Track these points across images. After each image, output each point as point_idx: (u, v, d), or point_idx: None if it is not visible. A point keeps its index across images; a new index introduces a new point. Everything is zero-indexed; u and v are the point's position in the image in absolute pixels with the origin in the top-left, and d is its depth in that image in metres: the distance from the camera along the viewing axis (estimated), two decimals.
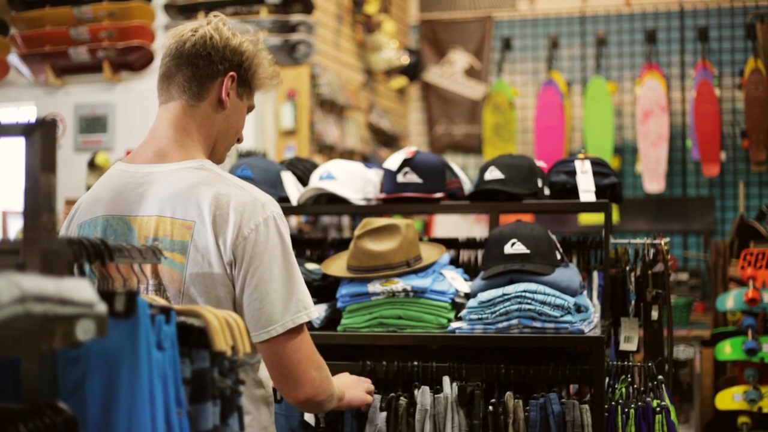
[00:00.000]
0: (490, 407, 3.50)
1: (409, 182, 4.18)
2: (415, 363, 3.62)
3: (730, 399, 7.48)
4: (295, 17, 7.50)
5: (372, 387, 3.37)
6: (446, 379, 3.56)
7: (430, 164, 4.22)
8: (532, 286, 3.59)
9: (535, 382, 3.61)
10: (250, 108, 2.87)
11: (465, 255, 4.54)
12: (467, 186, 4.39)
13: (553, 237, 3.87)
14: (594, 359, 3.54)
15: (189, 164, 2.69)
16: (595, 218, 9.62)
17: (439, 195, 4.18)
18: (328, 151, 8.45)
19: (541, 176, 4.27)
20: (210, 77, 2.74)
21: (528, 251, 3.70)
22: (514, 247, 3.71)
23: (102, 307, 1.56)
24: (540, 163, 4.38)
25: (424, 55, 11.45)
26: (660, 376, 3.91)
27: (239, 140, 2.89)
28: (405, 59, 10.52)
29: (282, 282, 2.63)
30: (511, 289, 3.60)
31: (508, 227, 3.80)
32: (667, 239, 4.40)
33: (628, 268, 4.28)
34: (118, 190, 2.71)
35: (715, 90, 10.10)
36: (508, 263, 3.70)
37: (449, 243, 4.52)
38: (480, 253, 4.35)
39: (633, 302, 4.19)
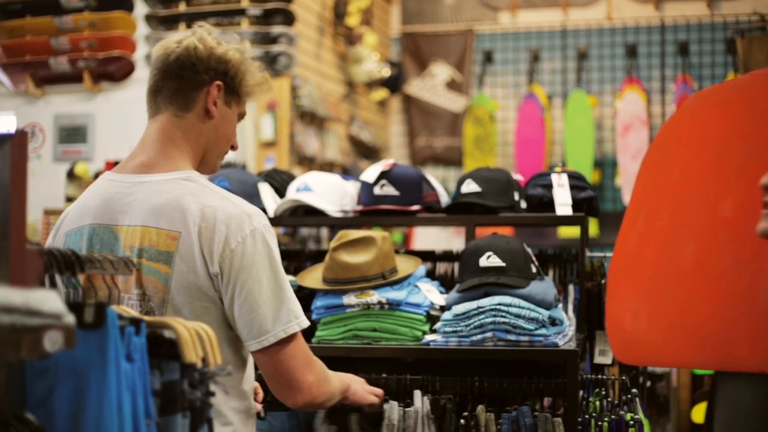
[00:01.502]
0: (462, 420, 3.51)
1: (386, 194, 4.18)
2: (389, 376, 3.63)
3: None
4: (276, 29, 7.50)
5: (381, 392, 3.42)
6: (417, 393, 3.56)
7: (407, 177, 4.23)
8: (507, 299, 3.60)
9: (508, 395, 3.62)
10: (241, 115, 2.87)
11: (441, 267, 4.54)
12: (444, 199, 4.40)
13: (529, 250, 3.88)
14: (568, 372, 3.55)
15: (176, 175, 2.70)
16: (574, 231, 9.62)
17: (415, 207, 4.19)
18: (308, 162, 8.45)
19: (518, 189, 4.28)
20: (195, 88, 2.75)
21: (503, 264, 3.71)
22: (490, 260, 3.72)
23: (70, 319, 1.56)
24: (517, 177, 4.40)
25: (406, 67, 11.47)
26: (634, 390, 3.91)
27: (233, 147, 2.90)
28: (386, 71, 10.53)
29: (272, 293, 2.65)
30: (485, 302, 3.60)
31: (484, 240, 3.81)
32: None
33: (603, 281, 4.29)
34: (106, 200, 2.73)
35: None
36: (483, 276, 3.70)
37: (426, 255, 4.52)
38: (456, 266, 4.36)
39: None
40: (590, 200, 4.33)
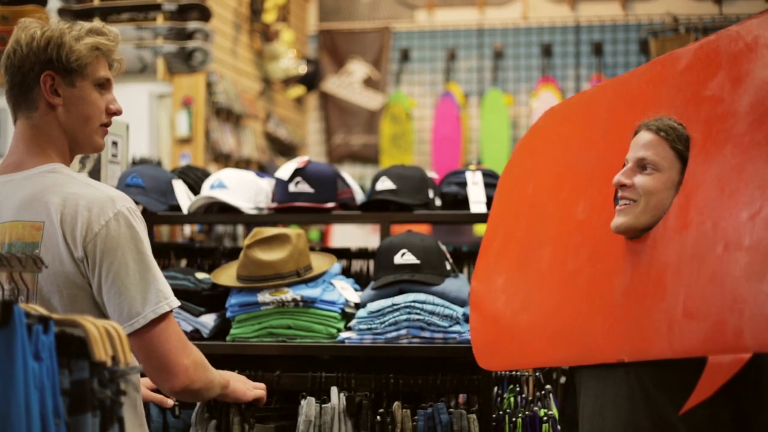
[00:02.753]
0: (378, 417, 3.51)
1: (301, 192, 4.17)
2: (304, 373, 3.62)
3: None
4: (192, 24, 7.45)
5: (263, 386, 3.39)
6: (334, 390, 3.55)
7: (322, 174, 4.22)
8: (422, 297, 3.60)
9: (423, 392, 3.62)
10: (98, 81, 2.77)
11: (357, 265, 4.54)
12: (359, 196, 4.40)
13: (444, 247, 3.89)
14: (482, 369, 3.56)
15: (41, 169, 2.69)
16: None
17: (330, 205, 4.18)
18: (224, 159, 8.40)
19: (432, 187, 4.29)
20: (30, 88, 2.71)
21: (418, 261, 3.72)
22: (404, 258, 3.73)
23: None
24: (432, 174, 4.41)
25: (323, 64, 11.46)
26: (548, 386, 3.94)
27: (114, 114, 2.82)
28: (303, 68, 10.51)
29: (139, 275, 2.62)
30: (400, 299, 3.61)
31: (399, 238, 3.82)
32: None
33: None
34: None
35: None
36: (397, 273, 3.71)
37: (341, 253, 4.52)
38: (372, 263, 4.36)
39: None
40: None
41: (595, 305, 2.76)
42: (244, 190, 4.23)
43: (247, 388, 3.29)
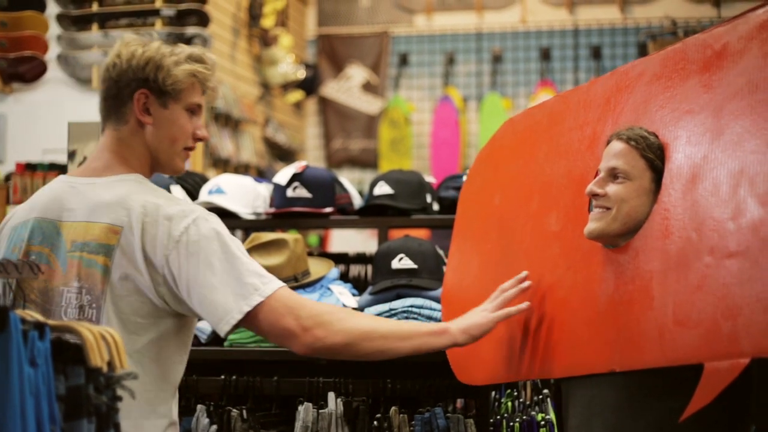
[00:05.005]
0: (375, 422, 3.51)
1: (299, 197, 4.18)
2: (302, 378, 3.62)
3: None
4: (190, 30, 7.45)
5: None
6: (331, 395, 3.56)
7: (320, 179, 4.23)
8: (419, 301, 3.60)
9: (421, 396, 3.63)
10: (190, 107, 2.83)
11: (355, 270, 4.55)
12: (357, 201, 4.41)
13: (441, 252, 3.90)
14: None
15: (125, 177, 2.75)
16: None
17: (328, 210, 4.19)
18: (223, 164, 8.41)
19: (430, 191, 4.30)
20: (122, 103, 2.77)
21: (415, 266, 3.72)
22: (402, 262, 3.73)
23: None
24: (429, 179, 4.41)
25: (322, 69, 11.47)
26: (546, 390, 3.94)
27: (200, 139, 2.89)
28: (301, 73, 10.52)
29: (226, 273, 2.63)
30: (398, 303, 3.61)
31: (396, 242, 3.82)
32: None
33: None
34: (54, 197, 2.77)
35: None
36: (395, 278, 3.71)
37: (339, 258, 4.52)
38: (370, 268, 4.36)
39: None
40: None
41: (579, 315, 2.76)
42: (242, 195, 4.24)
43: (486, 314, 2.89)
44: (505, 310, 2.85)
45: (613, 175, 2.72)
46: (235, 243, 2.69)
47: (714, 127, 2.48)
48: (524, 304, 2.85)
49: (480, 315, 2.85)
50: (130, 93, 2.76)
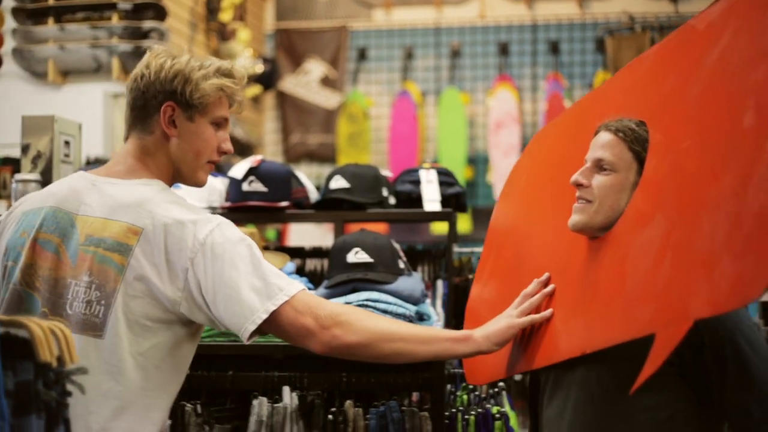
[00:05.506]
0: (330, 416, 3.51)
1: (255, 191, 4.17)
2: (257, 373, 3.62)
3: None
4: (147, 24, 7.40)
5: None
6: (286, 389, 3.55)
7: (276, 173, 4.22)
8: (375, 295, 3.60)
9: (377, 390, 3.63)
10: (217, 121, 2.84)
11: (311, 264, 4.54)
12: (314, 195, 4.40)
13: (397, 246, 3.89)
14: (434, 367, 3.57)
15: (149, 182, 2.76)
16: (446, 227, 9.72)
17: (284, 204, 4.18)
18: None
19: (386, 185, 4.30)
20: (149, 114, 2.78)
21: (371, 260, 3.72)
22: (357, 256, 3.72)
23: None
24: (386, 173, 4.41)
25: (280, 63, 11.44)
26: (501, 383, 3.96)
27: (225, 153, 2.90)
28: (259, 68, 10.49)
29: (251, 274, 2.63)
30: (353, 297, 3.61)
31: (352, 236, 3.82)
32: None
33: (471, 276, 4.32)
34: (74, 190, 2.77)
35: (566, 102, 10.36)
36: (350, 272, 3.71)
37: (296, 252, 4.52)
38: (326, 262, 4.36)
39: None
40: (458, 196, 4.37)
41: (561, 305, 2.77)
42: (197, 189, 4.21)
43: (509, 321, 2.83)
44: (529, 317, 2.81)
45: (599, 166, 2.71)
46: (257, 248, 2.70)
47: (692, 110, 2.50)
48: (548, 312, 2.80)
49: (503, 322, 2.81)
50: (157, 105, 2.76)
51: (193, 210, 2.71)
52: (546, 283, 2.86)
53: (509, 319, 2.81)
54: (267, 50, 11.56)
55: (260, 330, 2.63)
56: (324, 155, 11.34)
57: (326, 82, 11.39)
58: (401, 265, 3.81)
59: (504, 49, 10.92)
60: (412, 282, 3.75)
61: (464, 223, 10.06)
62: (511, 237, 3.34)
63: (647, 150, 2.65)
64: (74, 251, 2.65)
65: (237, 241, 2.66)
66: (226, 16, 9.66)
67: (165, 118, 2.76)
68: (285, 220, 4.58)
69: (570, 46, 10.89)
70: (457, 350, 2.77)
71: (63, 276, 2.64)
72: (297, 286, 2.67)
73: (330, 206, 4.26)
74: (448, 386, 3.86)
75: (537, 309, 2.83)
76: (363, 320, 2.70)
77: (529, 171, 3.44)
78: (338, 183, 4.20)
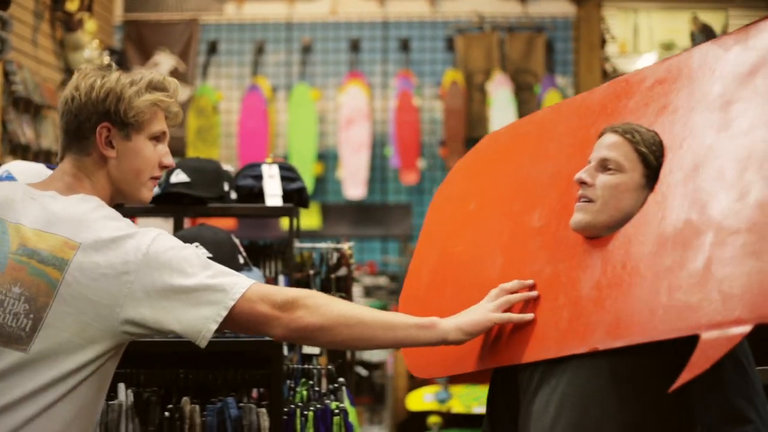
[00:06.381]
0: (167, 413, 3.47)
1: None
2: None
3: (421, 399, 7.72)
4: None
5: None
6: (121, 386, 3.50)
7: None
8: None
9: (214, 386, 3.60)
10: (155, 135, 2.76)
11: None
12: (156, 189, 4.34)
13: (237, 241, 3.87)
14: (273, 364, 3.56)
15: (89, 198, 2.66)
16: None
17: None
18: (22, 151, 8.18)
19: (228, 180, 4.27)
20: (85, 136, 2.68)
21: (210, 255, 3.68)
22: None
23: None
24: (228, 167, 4.39)
25: (128, 55, 11.26)
26: (341, 379, 3.97)
27: (166, 167, 2.85)
28: (106, 59, 10.31)
29: (202, 275, 2.57)
30: None
31: (190, 231, 3.79)
32: (351, 244, 4.48)
33: (312, 272, 4.33)
34: (8, 198, 2.65)
35: (416, 100, 10.46)
36: None
37: None
38: None
39: None
40: (300, 191, 4.37)
41: (559, 301, 2.74)
42: (32, 181, 4.12)
43: (485, 313, 2.79)
44: (507, 315, 2.77)
45: (604, 165, 2.72)
46: (196, 260, 2.62)
47: (720, 121, 2.52)
48: (530, 315, 2.77)
49: (479, 312, 2.77)
50: (91, 127, 2.66)
51: (130, 225, 2.63)
52: (531, 288, 2.82)
53: (485, 311, 2.77)
54: (116, 42, 11.38)
55: (218, 330, 2.58)
56: (173, 149, 10.88)
57: (175, 75, 11.24)
58: (241, 260, 3.79)
59: (355, 46, 10.95)
60: (252, 277, 3.72)
61: (313, 219, 10.07)
62: (464, 235, 3.28)
63: (654, 153, 2.68)
64: (3, 257, 2.54)
65: (179, 247, 2.60)
66: (72, 5, 9.46)
67: (102, 140, 2.67)
68: (124, 214, 4.51)
69: (421, 44, 10.99)
70: (421, 337, 2.71)
71: None
72: (247, 281, 2.61)
73: (170, 200, 4.21)
74: (288, 382, 3.86)
75: (514, 308, 2.80)
76: (324, 304, 2.65)
77: (482, 174, 3.42)
78: (179, 177, 4.16)
